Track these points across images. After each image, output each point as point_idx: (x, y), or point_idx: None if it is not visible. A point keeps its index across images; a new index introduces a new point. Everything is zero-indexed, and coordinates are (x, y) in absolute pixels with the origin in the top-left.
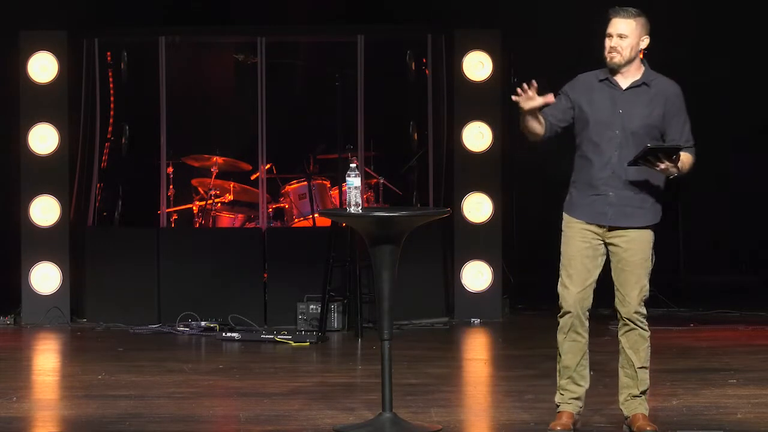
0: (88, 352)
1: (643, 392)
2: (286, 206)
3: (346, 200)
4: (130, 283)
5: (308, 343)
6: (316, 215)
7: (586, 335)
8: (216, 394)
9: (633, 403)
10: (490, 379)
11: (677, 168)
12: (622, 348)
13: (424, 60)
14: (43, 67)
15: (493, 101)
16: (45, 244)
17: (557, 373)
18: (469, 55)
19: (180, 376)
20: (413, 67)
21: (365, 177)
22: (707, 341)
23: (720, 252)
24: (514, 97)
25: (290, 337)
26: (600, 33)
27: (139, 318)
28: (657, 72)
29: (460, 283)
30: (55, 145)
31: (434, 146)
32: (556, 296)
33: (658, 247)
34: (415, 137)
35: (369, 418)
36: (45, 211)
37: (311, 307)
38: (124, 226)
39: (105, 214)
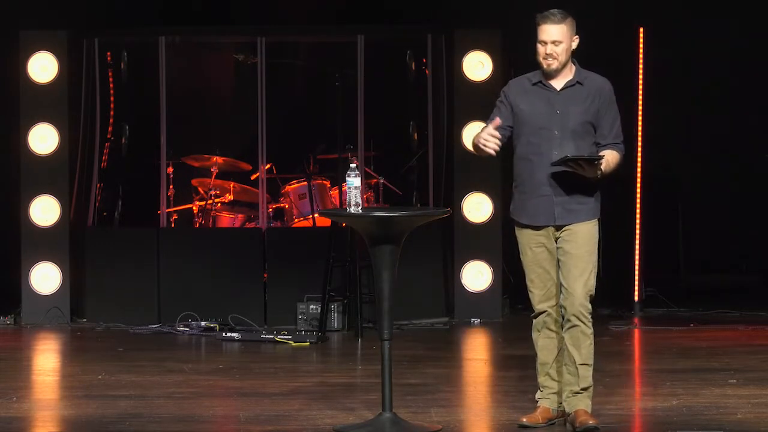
0: (88, 352)
1: (585, 389)
2: (286, 206)
3: (346, 200)
4: (130, 283)
5: (308, 343)
6: (316, 215)
7: (561, 332)
8: (216, 394)
9: (574, 400)
10: (490, 379)
11: (600, 171)
12: (565, 345)
13: (424, 60)
14: (43, 67)
15: (492, 101)
16: (45, 244)
17: (536, 372)
18: (469, 55)
19: (180, 376)
20: (413, 67)
21: (365, 177)
22: (707, 341)
23: (720, 252)
24: (487, 148)
25: (290, 337)
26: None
27: (139, 318)
28: (589, 70)
29: (460, 283)
30: (55, 145)
31: (434, 146)
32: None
33: (658, 246)
34: (415, 137)
35: (369, 418)
36: (45, 211)
37: (311, 307)
38: (124, 226)
39: (105, 214)
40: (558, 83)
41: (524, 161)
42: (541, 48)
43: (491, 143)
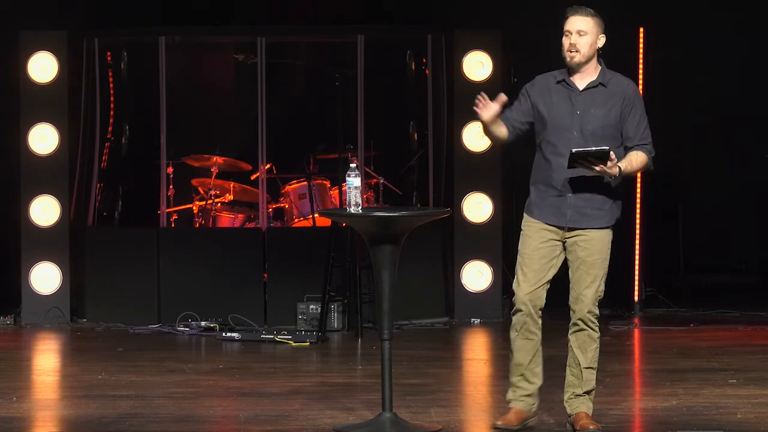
0: (88, 352)
1: (588, 392)
2: (286, 206)
3: (346, 200)
4: (130, 283)
5: (308, 343)
6: (316, 215)
7: (539, 333)
8: (216, 394)
9: (576, 402)
10: (490, 379)
11: (617, 168)
12: (571, 347)
13: (424, 60)
14: (43, 67)
15: (493, 101)
16: (45, 244)
17: (510, 371)
18: (469, 55)
19: (180, 376)
20: (413, 67)
21: (365, 177)
22: (707, 341)
23: (720, 252)
24: (476, 108)
25: (290, 337)
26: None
27: (139, 318)
28: (614, 71)
29: (460, 283)
30: (55, 145)
31: (434, 146)
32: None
33: (658, 246)
34: (415, 137)
35: (369, 418)
36: (45, 211)
37: (311, 307)
38: (124, 226)
39: (105, 214)
40: (581, 83)
41: (542, 160)
42: (565, 40)
43: (481, 105)
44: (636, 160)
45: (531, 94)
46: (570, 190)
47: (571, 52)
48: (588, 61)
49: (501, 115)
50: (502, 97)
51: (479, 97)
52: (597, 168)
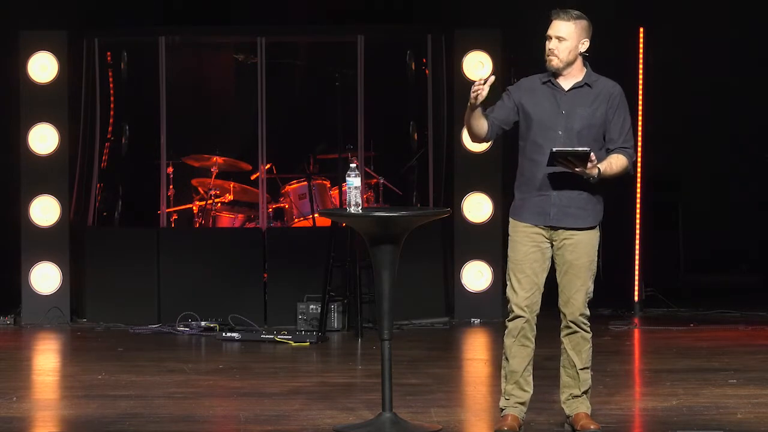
0: (88, 352)
1: (585, 392)
2: (286, 206)
3: (346, 200)
4: (130, 283)
5: (308, 343)
6: (316, 215)
7: (534, 340)
8: (216, 394)
9: (575, 403)
10: (490, 379)
11: (597, 170)
12: (564, 349)
13: (424, 60)
14: (43, 67)
15: (493, 101)
16: (45, 244)
17: (503, 378)
18: (469, 55)
19: (180, 376)
20: (413, 67)
21: (365, 177)
22: (707, 341)
23: (720, 252)
24: (477, 92)
25: (290, 337)
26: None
27: (139, 318)
28: (600, 74)
29: (460, 283)
30: (55, 145)
31: (434, 146)
32: (507, 300)
33: (658, 246)
34: (415, 137)
35: (369, 418)
36: (45, 211)
37: (311, 307)
38: (124, 226)
39: (105, 214)
40: (566, 83)
41: (528, 161)
42: (546, 43)
43: (479, 89)
44: (616, 163)
45: (514, 94)
46: (554, 189)
47: (548, 57)
48: (569, 65)
49: (483, 111)
50: (491, 79)
51: (479, 81)
52: (577, 169)
